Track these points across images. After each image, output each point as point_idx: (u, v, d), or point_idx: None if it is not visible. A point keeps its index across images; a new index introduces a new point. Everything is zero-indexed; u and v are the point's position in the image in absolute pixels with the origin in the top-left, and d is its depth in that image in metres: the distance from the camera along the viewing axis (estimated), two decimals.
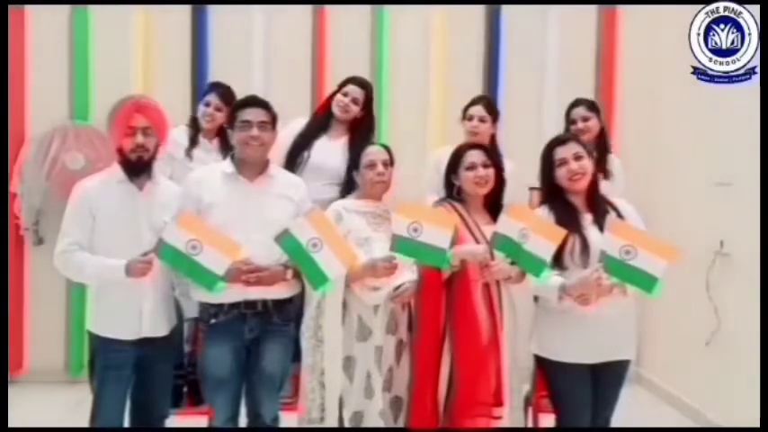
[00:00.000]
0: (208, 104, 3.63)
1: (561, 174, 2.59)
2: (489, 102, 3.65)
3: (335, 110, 3.56)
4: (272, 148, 2.77)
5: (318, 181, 3.31)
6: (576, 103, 3.58)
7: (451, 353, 2.64)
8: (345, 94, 3.55)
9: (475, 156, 2.76)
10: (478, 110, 3.53)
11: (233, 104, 2.74)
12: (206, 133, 3.67)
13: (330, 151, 3.51)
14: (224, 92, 3.64)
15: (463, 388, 2.62)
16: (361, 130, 3.56)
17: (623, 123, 4.45)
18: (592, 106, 3.58)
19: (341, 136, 3.58)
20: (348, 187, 3.17)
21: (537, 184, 2.77)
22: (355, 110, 3.55)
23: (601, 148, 3.50)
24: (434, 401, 2.66)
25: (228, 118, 2.73)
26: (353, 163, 3.09)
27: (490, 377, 2.63)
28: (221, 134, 3.59)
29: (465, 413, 2.62)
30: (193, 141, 3.64)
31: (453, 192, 2.81)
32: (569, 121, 3.55)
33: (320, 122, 3.61)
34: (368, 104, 3.60)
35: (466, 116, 3.56)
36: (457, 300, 2.65)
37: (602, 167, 3.39)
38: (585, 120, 3.51)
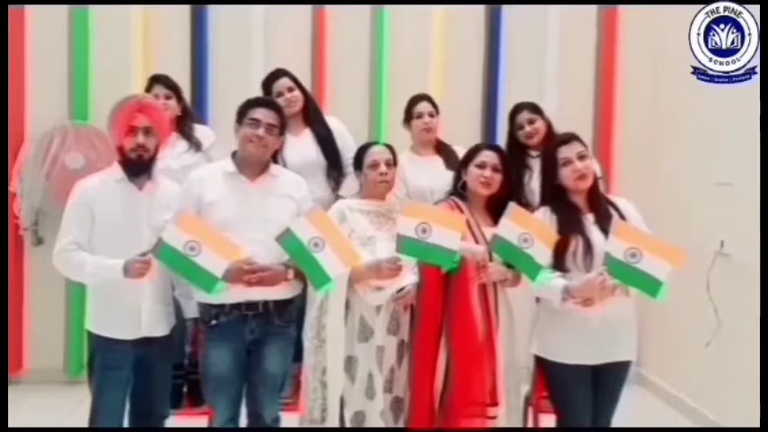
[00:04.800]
0: (157, 96, 3.54)
1: (566, 173, 2.58)
2: (431, 98, 3.67)
3: (284, 111, 3.57)
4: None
5: (307, 179, 3.32)
6: (519, 108, 3.53)
7: (447, 351, 2.65)
8: (280, 93, 3.55)
9: (488, 156, 2.78)
10: (426, 106, 3.57)
11: (246, 101, 2.71)
12: None
13: (300, 147, 3.54)
14: (165, 80, 3.67)
15: (459, 387, 2.62)
16: (311, 115, 3.64)
17: (623, 123, 4.45)
18: (534, 108, 3.52)
19: (300, 129, 3.62)
20: (332, 173, 3.38)
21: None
22: (297, 95, 3.58)
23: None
24: (432, 400, 2.66)
25: (238, 113, 2.71)
26: (326, 148, 3.36)
27: (485, 377, 2.63)
28: (177, 123, 3.61)
29: (460, 413, 2.61)
30: None
31: (458, 186, 2.82)
32: (516, 126, 3.50)
33: None
34: (298, 85, 3.63)
35: (414, 115, 3.58)
36: (454, 298, 2.65)
37: None
38: (531, 122, 3.46)
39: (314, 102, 3.74)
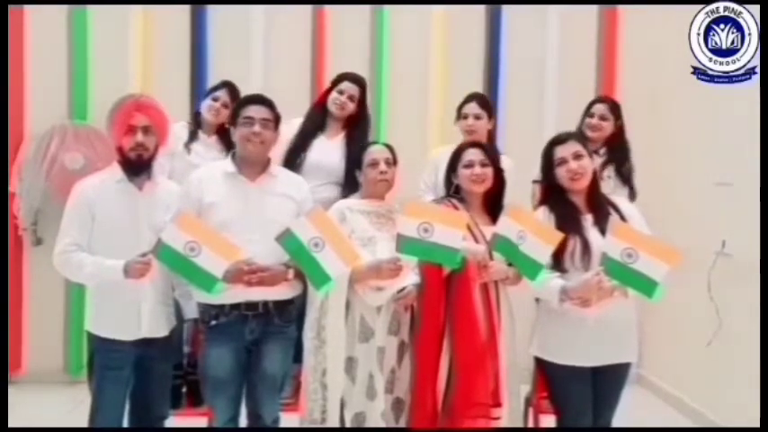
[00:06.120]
0: (216, 99, 3.69)
1: (561, 173, 2.57)
2: (483, 98, 3.63)
3: (332, 108, 3.56)
4: (274, 147, 2.76)
5: (317, 180, 3.31)
6: (599, 99, 3.61)
7: (450, 352, 2.64)
8: (341, 92, 3.55)
9: (473, 154, 2.77)
10: (473, 107, 3.52)
11: (237, 101, 2.73)
12: (206, 128, 3.71)
13: (328, 149, 3.51)
14: (233, 91, 3.70)
15: (461, 388, 2.61)
16: (357, 127, 3.58)
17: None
18: (614, 106, 3.54)
19: (337, 133, 3.59)
20: (348, 185, 3.20)
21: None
22: (352, 107, 3.56)
23: (618, 154, 3.51)
24: (435, 401, 2.65)
25: (231, 115, 2.72)
26: (352, 160, 3.13)
27: (488, 377, 2.62)
28: (221, 132, 3.65)
29: (463, 413, 2.61)
30: (192, 136, 3.68)
31: (451, 190, 2.82)
32: (587, 114, 3.53)
33: (316, 121, 3.60)
34: (362, 100, 3.61)
35: (461, 115, 3.55)
36: (456, 299, 2.65)
37: (626, 180, 3.48)
38: (603, 118, 3.48)
39: (367, 122, 3.66)
